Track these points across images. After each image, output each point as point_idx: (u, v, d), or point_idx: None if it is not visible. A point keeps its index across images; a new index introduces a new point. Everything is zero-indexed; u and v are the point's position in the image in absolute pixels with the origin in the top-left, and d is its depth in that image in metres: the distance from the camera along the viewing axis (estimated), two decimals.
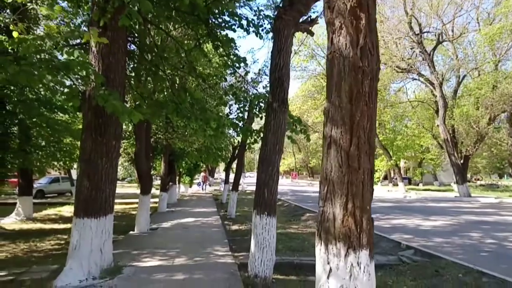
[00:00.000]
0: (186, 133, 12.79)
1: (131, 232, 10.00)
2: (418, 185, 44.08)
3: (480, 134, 28.26)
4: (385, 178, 47.13)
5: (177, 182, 22.07)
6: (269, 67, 6.10)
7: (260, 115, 7.54)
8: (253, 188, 24.85)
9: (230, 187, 20.42)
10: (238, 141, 21.19)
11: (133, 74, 7.01)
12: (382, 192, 32.79)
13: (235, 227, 11.57)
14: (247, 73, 7.51)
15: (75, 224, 5.54)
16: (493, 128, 27.37)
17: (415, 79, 34.12)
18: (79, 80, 5.48)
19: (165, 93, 7.53)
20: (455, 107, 29.66)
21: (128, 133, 17.15)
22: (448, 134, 25.30)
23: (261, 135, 7.78)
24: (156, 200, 17.63)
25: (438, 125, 26.17)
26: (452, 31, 27.33)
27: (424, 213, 14.63)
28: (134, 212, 14.05)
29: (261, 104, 7.52)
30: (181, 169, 22.71)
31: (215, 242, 8.44)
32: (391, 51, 30.07)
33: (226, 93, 7.46)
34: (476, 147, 27.67)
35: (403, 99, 38.58)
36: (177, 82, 7.45)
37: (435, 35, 27.11)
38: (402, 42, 30.14)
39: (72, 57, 4.65)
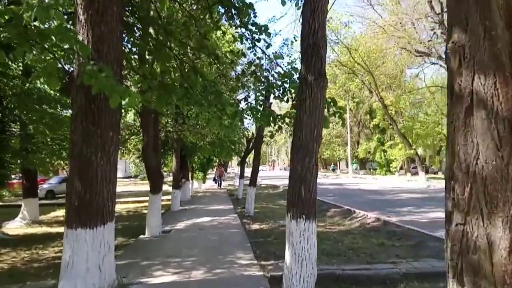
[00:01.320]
0: (198, 124, 11.68)
1: (141, 236, 8.96)
2: (436, 173, 42.45)
3: None
4: (401, 168, 45.62)
5: (190, 178, 21.07)
6: (298, 37, 4.93)
7: (284, 98, 6.37)
8: (268, 182, 23.83)
9: (245, 182, 19.43)
10: (253, 133, 20.09)
11: (134, 52, 5.89)
12: (401, 182, 31.38)
13: (255, 226, 10.47)
14: (268, 46, 6.32)
15: (67, 236, 4.46)
16: None
17: (434, 63, 32.51)
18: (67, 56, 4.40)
19: (173, 75, 6.41)
20: None
21: (137, 128, 16.15)
22: None
23: (286, 120, 6.64)
24: (169, 197, 16.62)
25: None
26: None
27: None
28: (147, 211, 13.07)
29: (285, 85, 6.34)
30: (193, 165, 21.68)
31: (236, 246, 7.33)
32: (409, 34, 28.56)
33: (244, 72, 6.30)
34: None
35: (420, 85, 36.98)
36: (187, 61, 6.30)
37: None
38: (420, 24, 28.58)
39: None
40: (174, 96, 6.30)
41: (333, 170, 61.39)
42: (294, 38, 8.64)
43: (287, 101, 6.05)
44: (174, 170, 14.64)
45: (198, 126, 11.79)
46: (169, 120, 13.53)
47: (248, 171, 23.55)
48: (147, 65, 5.95)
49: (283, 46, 9.01)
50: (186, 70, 6.02)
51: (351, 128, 45.07)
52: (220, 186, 27.79)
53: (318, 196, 16.31)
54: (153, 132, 9.55)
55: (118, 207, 17.32)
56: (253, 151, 22.17)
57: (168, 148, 17.95)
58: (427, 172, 45.32)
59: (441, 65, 32.35)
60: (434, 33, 26.17)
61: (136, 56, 6.46)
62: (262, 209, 14.14)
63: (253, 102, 6.77)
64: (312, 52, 4.45)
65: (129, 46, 5.92)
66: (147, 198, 9.78)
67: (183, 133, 12.88)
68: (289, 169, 4.56)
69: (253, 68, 6.22)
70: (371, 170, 55.90)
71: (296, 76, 5.82)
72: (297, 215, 4.31)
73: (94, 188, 4.51)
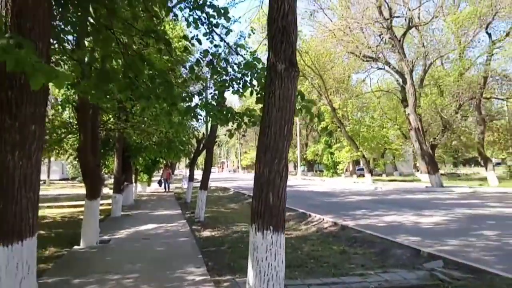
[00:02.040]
0: (144, 121, 10.66)
1: (75, 247, 7.84)
2: (381, 175, 44.02)
3: (447, 122, 28.05)
4: (346, 170, 46.83)
5: (133, 181, 19.73)
6: (256, 30, 4.29)
7: (246, 92, 5.72)
8: (217, 184, 22.95)
9: (194, 184, 18.46)
10: (203, 133, 19.23)
11: (68, 32, 4.91)
12: (348, 184, 31.99)
13: (206, 233, 9.69)
14: (228, 32, 5.63)
15: None
16: (461, 116, 27.18)
17: (381, 68, 33.54)
18: None
19: (115, 62, 5.51)
20: (422, 96, 29.30)
21: (74, 126, 14.68)
22: (419, 122, 24.66)
23: (245, 119, 5.99)
24: (109, 201, 15.27)
25: (408, 114, 25.50)
26: (419, 18, 26.72)
27: (411, 207, 13.46)
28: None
29: (245, 78, 5.68)
30: (137, 166, 20.32)
31: (186, 258, 6.53)
32: (358, 39, 29.13)
33: (199, 61, 5.54)
34: (445, 136, 27.46)
35: (365, 90, 38.05)
36: (132, 46, 5.42)
37: (405, 19, 26.33)
38: (368, 29, 29.27)
39: None
40: (116, 87, 5.42)
41: None
42: (252, 31, 8.01)
43: (251, 93, 5.38)
44: (115, 172, 13.41)
45: (144, 124, 10.76)
46: (111, 117, 12.33)
47: (197, 173, 22.61)
48: (83, 51, 5.00)
49: (240, 38, 8.32)
50: (131, 55, 5.15)
51: (300, 131, 45.44)
52: (168, 189, 25.48)
53: None
54: (91, 130, 8.47)
55: (53, 212, 15.67)
56: (203, 152, 21.32)
57: (109, 148, 16.58)
58: (371, 174, 46.91)
59: (387, 71, 33.50)
60: (382, 38, 26.93)
61: (70, 38, 5.46)
62: (213, 214, 13.37)
63: (208, 96, 6.03)
64: (281, 37, 3.82)
65: (62, 25, 4.94)
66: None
67: (126, 131, 11.76)
68: (254, 172, 3.89)
69: (209, 57, 5.48)
70: (318, 172, 56.92)
71: (260, 66, 5.18)
72: (263, 226, 3.65)
73: (9, 197, 3.55)
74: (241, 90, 5.77)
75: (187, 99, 5.81)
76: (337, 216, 11.45)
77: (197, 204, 11.85)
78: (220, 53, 5.62)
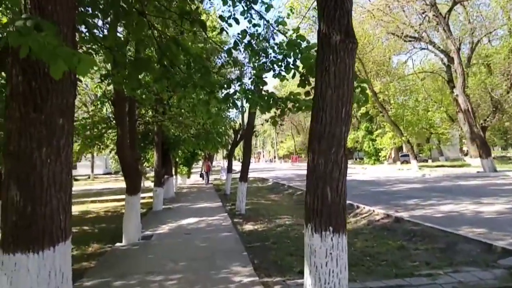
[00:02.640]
0: (181, 113, 10.35)
1: (117, 244, 7.68)
2: (426, 161, 42.02)
3: (498, 103, 26.11)
4: (388, 156, 45.06)
5: (174, 174, 19.74)
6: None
7: (288, 75, 5.17)
8: (255, 174, 22.42)
9: (232, 176, 18.19)
10: (240, 124, 18.86)
11: (95, 15, 4.55)
12: (393, 171, 30.67)
13: (249, 226, 9.30)
14: (268, 8, 5.09)
15: (2, 264, 3.20)
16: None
17: (424, 48, 31.71)
18: None
19: (149, 50, 5.13)
20: (470, 76, 27.39)
21: (114, 121, 14.73)
22: (469, 104, 23.01)
23: (289, 104, 5.44)
24: (150, 194, 15.28)
25: (456, 95, 23.85)
26: None
27: (467, 194, 12.42)
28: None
29: (288, 59, 5.13)
30: (177, 159, 20.31)
31: (231, 256, 6.13)
32: (398, 18, 27.58)
33: (237, 44, 5.04)
34: (496, 117, 25.58)
35: (407, 72, 36.19)
36: (165, 30, 5.00)
37: None
38: (410, 8, 27.59)
39: None
40: (151, 76, 5.05)
41: None
42: (291, 10, 7.40)
43: (293, 76, 4.84)
44: (155, 166, 13.31)
45: (181, 116, 10.46)
46: (148, 110, 12.17)
47: (234, 164, 22.35)
48: (115, 36, 4.62)
49: (279, 17, 7.63)
50: (166, 40, 4.73)
51: None
52: (208, 182, 25.08)
53: None
54: (129, 124, 8.25)
55: (96, 207, 15.94)
56: (241, 143, 20.98)
57: (149, 142, 16.58)
58: (417, 160, 44.90)
59: (430, 51, 31.62)
60: (425, 16, 25.25)
61: (100, 24, 5.13)
62: (254, 206, 12.98)
63: (247, 82, 5.54)
64: (335, 4, 3.24)
65: (90, 10, 4.60)
66: None
67: (164, 124, 11.54)
68: (307, 164, 3.37)
69: (248, 38, 4.97)
70: (358, 159, 55.37)
71: (304, 45, 4.61)
72: (321, 226, 3.14)
73: (38, 198, 3.23)
74: (283, 73, 5.22)
75: (225, 86, 5.34)
76: (387, 207, 10.71)
77: (237, 196, 11.49)
78: (260, 33, 5.09)
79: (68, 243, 3.52)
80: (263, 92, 5.39)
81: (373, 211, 9.53)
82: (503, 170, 21.78)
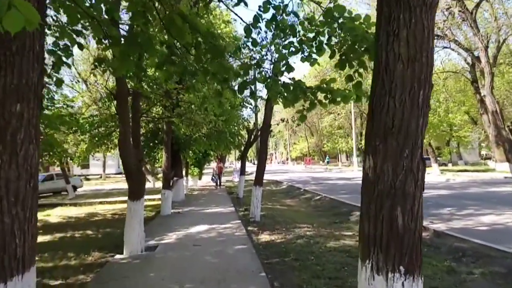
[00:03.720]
0: (192, 107, 9.41)
1: (117, 256, 6.77)
2: (446, 165, 40.42)
3: None
4: None
5: (184, 175, 18.87)
6: None
7: (317, 58, 4.17)
8: (268, 177, 20.96)
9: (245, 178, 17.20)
10: (254, 124, 17.92)
11: None
12: None
13: (265, 236, 8.31)
14: None
15: None
16: None
17: (446, 47, 30.28)
18: None
19: (150, 26, 4.18)
20: (497, 76, 25.97)
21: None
22: (498, 105, 21.63)
23: (319, 96, 4.45)
24: (158, 196, 14.38)
25: (484, 96, 22.47)
26: None
27: (506, 203, 11.19)
28: None
29: (320, 37, 4.13)
30: (188, 160, 19.43)
31: (246, 275, 5.16)
32: None
33: (257, 19, 4.05)
34: None
35: None
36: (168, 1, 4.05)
37: None
38: None
39: None
40: (151, 59, 4.11)
41: (327, 163, 59.02)
42: None
43: (332, 56, 3.84)
44: (164, 167, 12.42)
45: (191, 113, 9.51)
46: (157, 105, 11.28)
47: (247, 166, 21.38)
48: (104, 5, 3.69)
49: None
50: (168, 14, 3.79)
51: (354, 118, 42.89)
52: (219, 185, 23.10)
53: (330, 194, 13.77)
54: (132, 120, 7.34)
55: (104, 209, 15.13)
56: (255, 144, 20.00)
57: (159, 142, 15.74)
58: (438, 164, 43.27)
59: (453, 49, 30.20)
60: (450, 12, 23.92)
61: None
62: (269, 212, 11.96)
63: (269, 68, 4.54)
64: None
65: None
66: None
67: (172, 121, 10.64)
68: (363, 173, 2.38)
69: (272, 12, 3.99)
70: None
71: (345, 16, 3.60)
72: (387, 265, 2.12)
73: None
74: (314, 55, 4.22)
75: (242, 72, 4.36)
76: None
77: (252, 202, 10.49)
78: (286, 5, 4.11)
79: (30, 276, 2.57)
80: (288, 80, 4.40)
81: None
82: None
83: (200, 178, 25.17)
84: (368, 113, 2.31)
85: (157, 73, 6.77)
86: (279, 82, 4.41)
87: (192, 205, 13.87)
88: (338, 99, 4.21)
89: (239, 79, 4.57)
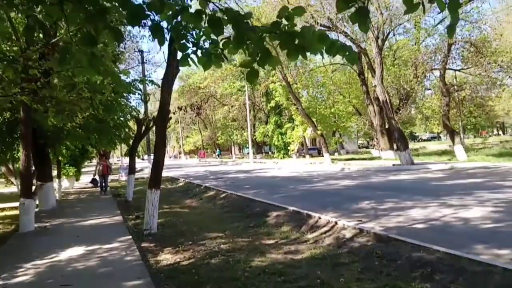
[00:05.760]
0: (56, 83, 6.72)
1: None
2: (333, 154, 42.43)
3: (408, 94, 26.50)
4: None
5: (56, 176, 15.34)
6: None
7: None
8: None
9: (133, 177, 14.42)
10: (145, 115, 15.36)
11: None
12: (305, 166, 29.62)
13: (166, 257, 6.23)
14: None
15: None
16: (422, 87, 25.71)
17: (336, 40, 31.11)
18: None
19: None
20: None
21: None
22: (388, 95, 22.53)
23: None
24: (16, 204, 10.90)
25: (375, 86, 23.26)
26: None
27: (419, 193, 10.81)
28: None
29: None
30: (60, 158, 15.85)
31: None
32: (313, 6, 26.38)
33: None
34: (408, 111, 25.91)
35: (319, 64, 35.68)
36: None
37: None
38: None
39: None
40: None
41: (218, 155, 58.11)
42: None
43: None
44: (22, 167, 9.29)
45: (56, 91, 6.76)
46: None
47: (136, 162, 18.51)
48: None
49: None
50: None
51: (249, 111, 42.28)
52: (105, 191, 16.61)
53: (234, 189, 11.64)
54: None
55: None
56: (146, 137, 17.28)
57: (19, 136, 12.18)
58: (319, 153, 45.19)
59: (341, 42, 31.15)
60: None
61: None
62: (167, 218, 9.79)
63: None
64: None
65: None
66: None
67: (33, 107, 7.72)
68: None
69: None
70: (264, 154, 54.51)
71: None
72: None
73: None
74: None
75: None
76: (343, 213, 8.52)
77: (146, 209, 8.17)
78: None
79: None
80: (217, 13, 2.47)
81: (335, 222, 7.15)
82: (420, 163, 21.67)
83: (77, 179, 21.35)
84: None
85: None
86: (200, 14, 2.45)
87: (66, 215, 10.86)
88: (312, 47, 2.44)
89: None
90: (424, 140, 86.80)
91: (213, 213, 10.54)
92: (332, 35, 30.15)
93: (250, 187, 15.52)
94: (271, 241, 6.91)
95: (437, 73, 26.32)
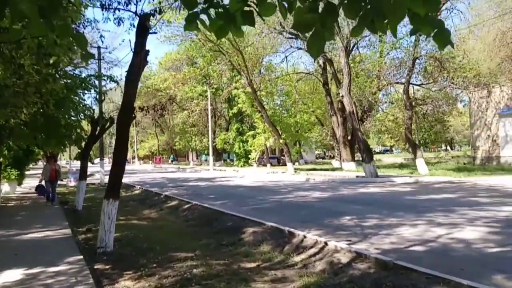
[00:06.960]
0: None
1: None
2: (294, 164, 42.15)
3: (371, 106, 26.67)
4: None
5: None
6: None
7: None
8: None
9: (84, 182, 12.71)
10: (102, 113, 13.91)
11: None
12: (268, 175, 28.95)
13: (127, 285, 5.08)
14: None
15: None
16: (385, 100, 25.99)
17: (301, 48, 31.02)
18: None
19: None
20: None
21: None
22: (354, 106, 22.36)
23: None
24: None
25: (342, 96, 22.99)
26: None
27: (399, 208, 10.28)
28: None
29: None
30: (0, 159, 13.94)
31: None
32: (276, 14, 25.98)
33: None
34: (372, 123, 26.02)
35: (285, 72, 35.39)
36: None
37: None
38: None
39: None
40: None
41: (173, 161, 56.18)
42: None
43: None
44: None
45: None
46: None
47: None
48: None
49: None
50: None
51: (210, 117, 41.08)
52: (53, 200, 13.62)
53: (197, 199, 10.35)
54: None
55: None
56: (102, 138, 15.75)
57: None
58: (279, 162, 44.79)
59: (306, 51, 31.05)
60: None
61: None
62: (125, 232, 8.49)
63: None
64: None
65: None
66: None
67: None
68: None
69: None
70: (223, 161, 53.42)
71: None
72: None
73: None
74: None
75: None
76: (319, 227, 7.79)
77: (101, 223, 6.91)
78: None
79: None
80: None
81: (325, 243, 6.32)
82: (383, 175, 21.60)
83: (20, 183, 19.18)
84: None
85: None
86: None
87: (3, 226, 9.25)
88: None
89: None
90: (377, 153, 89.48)
91: (177, 227, 9.39)
92: (297, 43, 30.07)
93: (215, 197, 14.45)
94: (252, 264, 5.94)
95: (400, 87, 26.74)
